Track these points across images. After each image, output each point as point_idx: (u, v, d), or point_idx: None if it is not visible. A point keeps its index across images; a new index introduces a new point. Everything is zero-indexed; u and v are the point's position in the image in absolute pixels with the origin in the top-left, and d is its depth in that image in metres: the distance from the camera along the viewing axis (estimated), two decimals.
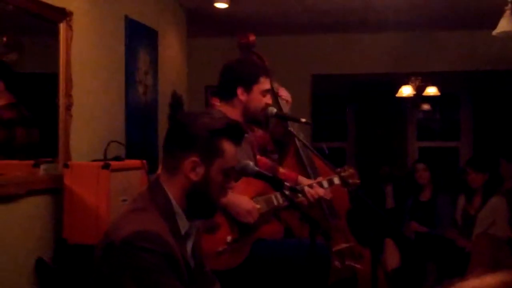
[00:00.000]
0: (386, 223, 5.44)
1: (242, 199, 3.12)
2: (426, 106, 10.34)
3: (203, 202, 2.12)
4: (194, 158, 2.04)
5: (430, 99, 9.35)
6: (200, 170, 2.05)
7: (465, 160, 6.60)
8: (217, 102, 3.51)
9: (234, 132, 2.14)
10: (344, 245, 4.08)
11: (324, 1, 6.04)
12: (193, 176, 2.05)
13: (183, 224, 2.09)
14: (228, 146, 2.09)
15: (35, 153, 3.56)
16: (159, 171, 2.18)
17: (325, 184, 3.54)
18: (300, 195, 3.17)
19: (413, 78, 8.39)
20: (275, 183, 2.61)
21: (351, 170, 3.78)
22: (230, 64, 3.49)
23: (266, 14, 6.69)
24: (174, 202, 2.07)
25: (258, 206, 3.15)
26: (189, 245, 2.15)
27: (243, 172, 2.59)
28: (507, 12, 4.40)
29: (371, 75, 8.34)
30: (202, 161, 2.05)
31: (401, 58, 7.68)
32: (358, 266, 4.06)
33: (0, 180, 3.13)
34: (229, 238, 3.07)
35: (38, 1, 3.39)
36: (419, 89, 8.48)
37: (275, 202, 3.21)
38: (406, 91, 8.53)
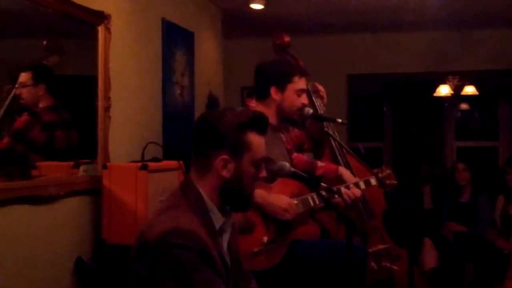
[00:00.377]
0: (424, 223, 5.40)
1: (279, 197, 3.13)
2: (464, 106, 10.22)
3: (237, 196, 2.15)
4: (224, 156, 2.07)
5: (468, 98, 9.24)
6: (231, 166, 2.08)
7: (504, 159, 6.50)
8: (252, 103, 3.52)
9: (258, 122, 2.17)
10: (381, 246, 4.05)
11: (361, 1, 6.01)
12: (225, 173, 2.08)
13: (217, 219, 2.11)
14: (254, 138, 2.13)
15: (74, 155, 3.61)
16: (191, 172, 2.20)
17: (362, 185, 3.52)
18: (336, 195, 3.16)
19: (450, 77, 8.30)
20: (312, 183, 2.62)
21: (388, 171, 3.76)
22: (264, 64, 3.51)
23: (301, 14, 6.69)
24: (206, 198, 2.10)
25: (295, 201, 3.15)
26: (224, 241, 2.16)
27: (280, 173, 2.60)
28: None
29: (407, 74, 8.27)
30: (232, 157, 2.08)
31: (438, 57, 7.60)
32: (395, 267, 4.03)
33: (41, 181, 3.19)
34: (265, 239, 3.08)
35: (77, 5, 3.44)
36: (457, 88, 8.39)
37: (312, 203, 3.21)
38: (444, 90, 8.44)
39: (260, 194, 3.07)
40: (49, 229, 3.25)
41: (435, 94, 8.61)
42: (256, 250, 3.03)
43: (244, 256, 2.71)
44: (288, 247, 3.15)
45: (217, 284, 1.97)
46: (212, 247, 2.01)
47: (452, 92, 8.39)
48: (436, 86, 8.55)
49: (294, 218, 3.13)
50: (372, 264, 3.87)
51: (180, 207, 2.05)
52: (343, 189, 3.35)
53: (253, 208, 3.06)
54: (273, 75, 3.42)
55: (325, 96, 4.15)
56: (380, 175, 3.65)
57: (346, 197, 3.32)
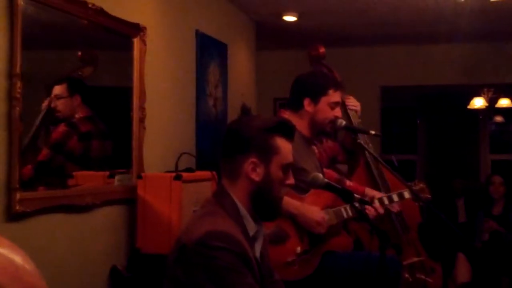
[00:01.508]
0: (458, 237, 5.34)
1: (313, 209, 3.13)
2: (499, 118, 10.11)
3: (267, 201, 2.16)
4: (253, 159, 2.10)
5: (503, 111, 9.14)
6: (260, 169, 2.11)
7: None
8: (285, 114, 3.53)
9: (285, 128, 2.19)
10: (415, 259, 4.02)
11: (394, 13, 6.00)
12: (255, 177, 2.11)
13: (251, 227, 2.13)
14: (282, 143, 2.15)
15: (110, 164, 3.66)
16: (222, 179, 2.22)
17: (395, 198, 3.49)
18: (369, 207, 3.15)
19: (485, 90, 8.22)
20: (345, 195, 2.60)
21: (422, 185, 3.73)
22: (301, 75, 3.52)
23: (335, 26, 6.69)
24: (240, 205, 2.12)
25: (327, 216, 3.15)
26: (257, 249, 2.18)
27: (313, 184, 2.60)
28: None
29: (441, 86, 8.22)
30: (261, 161, 2.11)
31: (472, 70, 7.54)
32: (429, 280, 3.99)
33: (77, 190, 3.24)
34: (298, 249, 3.07)
35: (113, 17, 3.49)
36: (492, 101, 8.31)
37: (345, 215, 3.20)
38: (478, 102, 8.37)
39: (294, 204, 3.08)
40: (85, 238, 3.29)
41: (469, 107, 8.54)
42: (289, 260, 3.03)
43: (277, 266, 2.74)
44: (321, 258, 3.15)
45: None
46: (250, 252, 2.03)
47: (486, 104, 8.31)
48: (470, 98, 8.48)
49: (326, 231, 3.13)
50: (407, 276, 3.84)
51: (217, 213, 2.08)
52: (376, 202, 3.33)
53: (287, 219, 3.07)
54: (308, 87, 3.43)
55: (359, 109, 4.14)
56: (414, 188, 3.63)
57: (378, 209, 3.29)
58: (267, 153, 2.12)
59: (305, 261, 3.09)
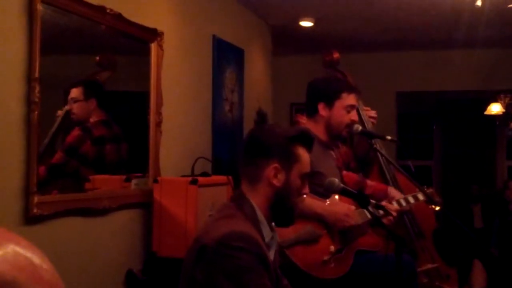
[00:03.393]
0: (474, 243, 5.32)
1: (338, 205, 3.16)
2: None
3: (285, 207, 2.20)
4: (275, 165, 2.14)
5: None
6: (282, 176, 2.15)
7: None
8: (302, 119, 3.54)
9: (306, 138, 2.25)
10: (430, 266, 4.01)
11: (410, 18, 5.99)
12: (276, 182, 2.15)
13: (266, 233, 2.17)
14: (302, 152, 2.21)
15: (125, 168, 3.68)
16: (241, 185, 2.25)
17: (411, 199, 3.51)
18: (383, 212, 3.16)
19: (502, 96, 8.18)
20: (361, 199, 2.62)
21: (431, 190, 3.74)
22: (314, 80, 3.53)
23: (351, 31, 6.69)
24: (258, 211, 2.15)
25: (353, 207, 3.16)
26: (271, 255, 2.20)
27: (329, 188, 2.62)
28: None
29: (458, 92, 8.18)
30: (283, 167, 2.15)
31: (489, 75, 7.51)
32: (445, 286, 3.98)
33: (95, 194, 3.27)
34: (332, 248, 3.10)
35: (131, 22, 3.51)
36: (509, 107, 8.26)
37: (369, 215, 3.21)
38: (495, 108, 8.32)
39: (319, 204, 3.13)
40: (101, 241, 3.31)
41: (486, 113, 8.49)
42: (325, 258, 3.05)
43: (315, 265, 2.93)
44: (354, 256, 3.17)
45: None
46: (268, 254, 2.07)
47: (503, 110, 8.26)
48: (487, 104, 8.44)
49: (355, 225, 3.15)
50: (423, 279, 3.83)
51: (237, 216, 2.11)
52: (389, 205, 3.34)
53: (315, 221, 3.10)
54: (321, 92, 3.44)
55: (375, 118, 4.13)
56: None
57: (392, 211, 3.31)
58: (289, 160, 2.17)
59: (340, 260, 3.12)
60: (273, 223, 2.24)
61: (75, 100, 3.34)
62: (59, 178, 3.18)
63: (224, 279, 1.93)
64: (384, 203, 3.43)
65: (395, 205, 3.41)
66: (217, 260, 1.96)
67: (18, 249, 0.68)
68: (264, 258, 2.01)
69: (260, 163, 2.16)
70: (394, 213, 3.29)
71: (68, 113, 3.27)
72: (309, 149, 2.26)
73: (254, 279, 1.96)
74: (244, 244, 1.96)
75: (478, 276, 5.60)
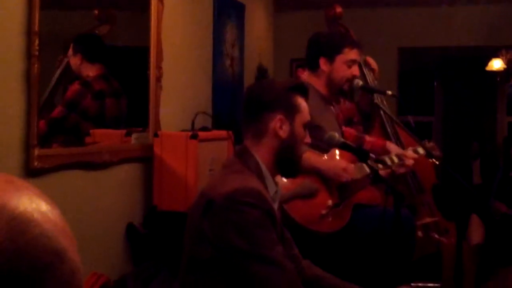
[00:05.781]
0: (473, 198, 5.35)
1: (335, 160, 3.18)
2: None
3: (292, 158, 2.25)
4: (280, 116, 2.18)
5: None
6: (286, 126, 2.19)
7: None
8: (303, 74, 3.53)
9: (302, 88, 2.30)
10: (429, 219, 4.04)
11: None
12: (282, 134, 2.18)
13: (271, 188, 2.19)
14: (301, 101, 2.25)
15: (124, 123, 3.68)
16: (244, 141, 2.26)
17: (411, 153, 3.52)
18: (383, 166, 3.17)
19: (503, 51, 8.12)
20: (360, 154, 2.64)
21: (431, 144, 3.75)
22: (315, 35, 3.52)
23: None
24: (263, 166, 2.17)
25: (351, 165, 3.18)
26: (275, 209, 2.22)
27: (329, 142, 2.64)
28: None
29: (460, 48, 8.13)
30: (287, 118, 2.19)
31: (491, 31, 7.45)
32: (443, 239, 4.02)
33: (95, 148, 3.28)
34: (330, 202, 3.12)
35: None
36: (510, 63, 8.22)
37: (368, 169, 3.22)
38: (496, 64, 8.28)
39: (318, 159, 3.14)
40: (102, 195, 3.34)
41: (487, 68, 8.45)
42: (323, 212, 3.08)
43: (313, 219, 2.97)
44: (352, 210, 3.20)
45: (279, 245, 2.07)
46: (275, 210, 2.11)
47: (505, 66, 8.22)
48: (489, 60, 8.39)
49: (353, 180, 3.17)
50: (419, 233, 3.86)
51: (244, 172, 2.14)
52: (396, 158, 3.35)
53: (313, 175, 3.12)
54: (323, 46, 3.43)
55: (376, 69, 4.13)
56: (427, 145, 3.65)
57: (402, 165, 3.32)
58: (291, 111, 2.21)
59: (338, 214, 3.15)
60: (277, 177, 2.27)
61: (69, 56, 3.32)
62: (59, 133, 3.18)
63: (234, 234, 1.97)
64: (401, 151, 3.46)
65: (411, 153, 3.41)
66: (226, 215, 1.99)
67: (34, 194, 0.70)
68: (271, 213, 2.05)
69: (264, 118, 2.19)
70: (411, 160, 3.31)
71: (67, 68, 3.26)
72: (306, 97, 2.29)
73: (263, 234, 2.00)
74: (253, 200, 1.99)
75: (476, 231, 5.65)
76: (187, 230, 2.14)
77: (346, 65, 3.40)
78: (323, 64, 3.40)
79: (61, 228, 0.69)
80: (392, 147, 3.64)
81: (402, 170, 3.35)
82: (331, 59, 3.39)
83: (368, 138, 3.72)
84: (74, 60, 3.35)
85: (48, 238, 0.66)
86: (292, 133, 2.20)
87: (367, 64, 4.07)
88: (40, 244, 0.65)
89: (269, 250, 2.01)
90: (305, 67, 3.56)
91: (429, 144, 3.70)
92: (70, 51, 3.33)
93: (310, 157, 3.03)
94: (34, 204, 0.67)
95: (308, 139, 2.30)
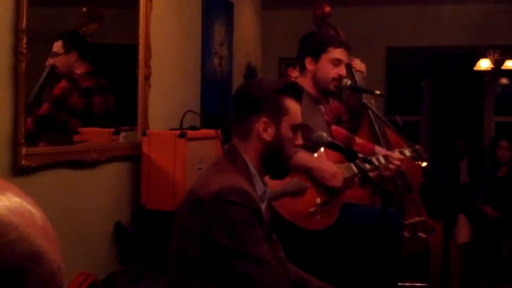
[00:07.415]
0: (460, 197, 5.38)
1: (326, 164, 3.19)
2: (504, 80, 10.05)
3: (278, 160, 2.24)
4: (264, 119, 2.16)
5: (509, 72, 9.09)
6: (271, 130, 2.18)
7: None
8: (293, 73, 3.55)
9: (294, 89, 2.27)
10: (416, 219, 4.07)
11: None
12: (266, 137, 2.17)
13: (259, 187, 2.20)
14: (291, 103, 2.22)
15: (112, 121, 3.67)
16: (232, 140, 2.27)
17: (398, 155, 3.53)
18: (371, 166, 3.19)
19: (491, 51, 8.16)
20: (348, 154, 2.64)
21: (418, 147, 3.77)
22: (304, 36, 3.54)
23: None
24: (250, 165, 2.18)
25: (341, 170, 3.19)
26: (262, 209, 2.22)
27: (317, 142, 2.64)
28: None
29: (448, 48, 8.16)
30: (272, 121, 2.17)
31: (479, 31, 7.48)
32: (430, 239, 4.05)
33: (84, 146, 3.26)
34: (318, 200, 3.14)
35: None
36: (498, 63, 8.26)
37: (355, 169, 3.24)
38: (484, 64, 8.32)
39: (308, 158, 3.16)
40: (90, 193, 3.32)
41: (475, 68, 8.49)
42: (311, 210, 3.10)
43: (301, 216, 2.99)
44: (340, 209, 3.21)
45: (266, 244, 2.07)
46: (262, 209, 2.11)
47: (492, 66, 8.26)
48: (477, 60, 8.43)
49: (341, 185, 3.18)
50: (407, 234, 3.89)
51: (232, 171, 2.14)
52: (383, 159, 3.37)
53: (302, 173, 3.13)
54: (308, 46, 3.47)
55: (364, 70, 4.14)
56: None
57: (388, 168, 3.35)
58: (277, 113, 2.18)
59: (326, 212, 3.17)
60: (265, 177, 2.27)
61: (57, 54, 3.30)
62: (47, 130, 3.17)
63: (220, 233, 1.97)
64: (388, 152, 3.47)
65: (398, 154, 3.43)
66: (213, 213, 1.99)
67: (14, 195, 0.69)
68: (258, 212, 2.05)
69: (249, 118, 2.19)
70: (398, 162, 3.33)
71: (53, 67, 3.24)
72: (298, 99, 2.26)
73: (249, 232, 2.00)
74: (239, 199, 1.99)
75: (463, 230, 5.68)
76: (175, 227, 2.14)
77: (331, 63, 3.41)
78: (308, 63, 3.43)
79: (40, 229, 0.69)
80: (380, 151, 3.65)
81: (388, 173, 3.37)
82: (316, 58, 3.42)
83: (358, 140, 3.73)
84: (67, 58, 3.33)
85: (26, 242, 0.65)
86: (278, 136, 2.18)
87: (354, 68, 4.08)
88: (17, 248, 0.64)
89: (255, 248, 2.01)
90: (296, 66, 3.58)
91: (416, 146, 3.71)
92: (60, 49, 3.31)
93: (300, 156, 3.04)
94: (12, 207, 0.67)
95: (299, 141, 2.28)
